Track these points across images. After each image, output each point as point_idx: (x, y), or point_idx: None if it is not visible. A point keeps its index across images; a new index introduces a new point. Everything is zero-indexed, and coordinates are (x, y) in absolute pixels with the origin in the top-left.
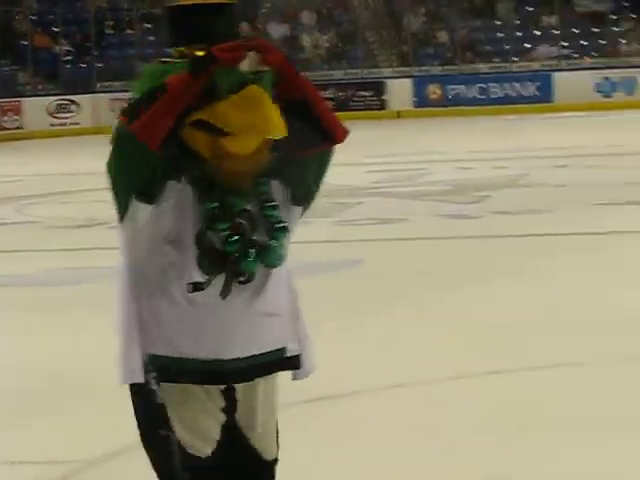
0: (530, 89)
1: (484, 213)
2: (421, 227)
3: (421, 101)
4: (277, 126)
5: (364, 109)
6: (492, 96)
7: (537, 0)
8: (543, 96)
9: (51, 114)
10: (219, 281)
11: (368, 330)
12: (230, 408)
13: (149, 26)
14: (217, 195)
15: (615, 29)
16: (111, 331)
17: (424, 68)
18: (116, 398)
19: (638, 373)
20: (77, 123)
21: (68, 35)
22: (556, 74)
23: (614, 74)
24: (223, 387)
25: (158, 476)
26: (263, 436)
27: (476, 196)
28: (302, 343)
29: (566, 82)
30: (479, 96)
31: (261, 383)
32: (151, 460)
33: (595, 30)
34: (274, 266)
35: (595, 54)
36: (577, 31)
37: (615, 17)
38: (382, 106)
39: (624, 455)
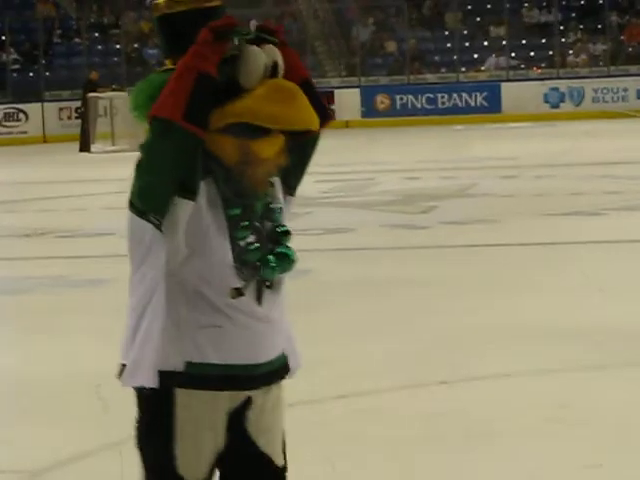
0: (478, 99)
1: (432, 223)
2: (369, 237)
3: (369, 111)
4: (315, 117)
5: None
6: (440, 106)
7: (485, 11)
8: (491, 106)
9: None
10: (251, 285)
11: (314, 339)
12: (242, 413)
13: (97, 35)
14: (239, 200)
15: (563, 40)
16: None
17: (372, 78)
18: (58, 408)
19: (586, 381)
20: (25, 132)
21: (16, 44)
22: (504, 85)
23: (562, 85)
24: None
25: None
26: (271, 441)
27: (424, 206)
28: (290, 341)
29: (514, 93)
30: (427, 106)
31: (274, 387)
32: (144, 465)
33: (543, 41)
34: (288, 271)
35: (543, 65)
36: (525, 42)
37: (563, 28)
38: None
39: (571, 464)
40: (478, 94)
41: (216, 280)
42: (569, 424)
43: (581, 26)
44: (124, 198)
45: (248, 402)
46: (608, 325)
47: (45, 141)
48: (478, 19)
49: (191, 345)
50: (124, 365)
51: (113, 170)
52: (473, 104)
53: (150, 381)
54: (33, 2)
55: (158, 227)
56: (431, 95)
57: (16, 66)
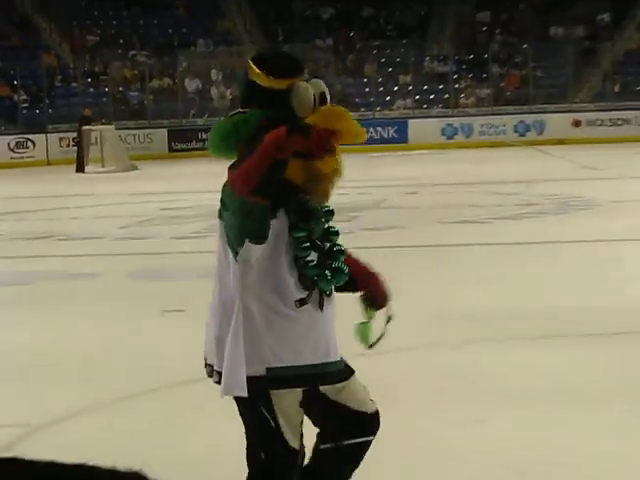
0: (390, 132)
1: (355, 229)
2: None
3: None
4: (363, 131)
5: None
6: None
7: (395, 63)
8: (400, 138)
9: (11, 149)
10: (315, 295)
11: None
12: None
13: (90, 80)
14: (303, 225)
15: (456, 86)
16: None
17: None
18: (62, 370)
19: (474, 353)
20: (32, 157)
21: (25, 87)
22: (410, 120)
23: (455, 121)
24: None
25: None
26: (350, 393)
27: (348, 216)
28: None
29: (418, 127)
30: None
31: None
32: (261, 466)
33: (441, 87)
34: (340, 283)
35: (441, 105)
36: (427, 87)
37: (456, 77)
38: None
39: (464, 421)
40: (389, 128)
41: (284, 292)
42: (461, 388)
43: (470, 75)
44: (111, 209)
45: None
46: (485, 306)
47: (49, 164)
48: (390, 69)
49: (269, 352)
50: (218, 372)
51: (102, 187)
52: (386, 136)
53: (243, 391)
54: (39, 54)
55: (235, 256)
56: None
57: (25, 104)
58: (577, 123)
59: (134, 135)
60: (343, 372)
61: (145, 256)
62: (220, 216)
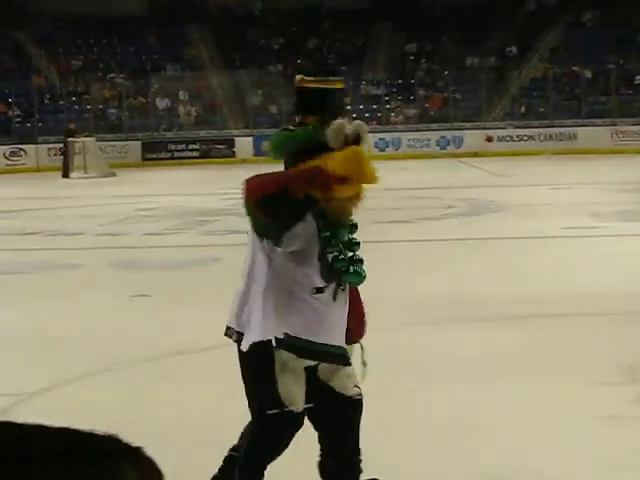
0: None
1: None
2: None
3: (258, 152)
4: (376, 177)
5: (220, 157)
6: None
7: None
8: None
9: (6, 158)
10: (330, 287)
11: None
12: (315, 368)
13: (74, 99)
14: (329, 227)
15: (387, 106)
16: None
17: (260, 130)
18: (47, 344)
19: (407, 335)
20: (25, 164)
21: (18, 104)
22: None
23: (387, 136)
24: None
25: (259, 424)
26: (340, 378)
27: None
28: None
29: None
30: None
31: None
32: (257, 401)
33: (374, 107)
34: (359, 284)
35: (374, 122)
36: (362, 107)
37: (387, 98)
38: (232, 155)
39: (399, 391)
40: None
41: (305, 281)
42: (379, 362)
43: (399, 97)
44: (92, 209)
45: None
46: (414, 293)
47: (39, 170)
48: None
49: (286, 323)
50: (238, 332)
51: (85, 190)
52: None
53: (258, 337)
54: (30, 76)
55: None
56: None
57: (18, 119)
58: (490, 139)
59: (112, 146)
60: (342, 358)
61: (121, 250)
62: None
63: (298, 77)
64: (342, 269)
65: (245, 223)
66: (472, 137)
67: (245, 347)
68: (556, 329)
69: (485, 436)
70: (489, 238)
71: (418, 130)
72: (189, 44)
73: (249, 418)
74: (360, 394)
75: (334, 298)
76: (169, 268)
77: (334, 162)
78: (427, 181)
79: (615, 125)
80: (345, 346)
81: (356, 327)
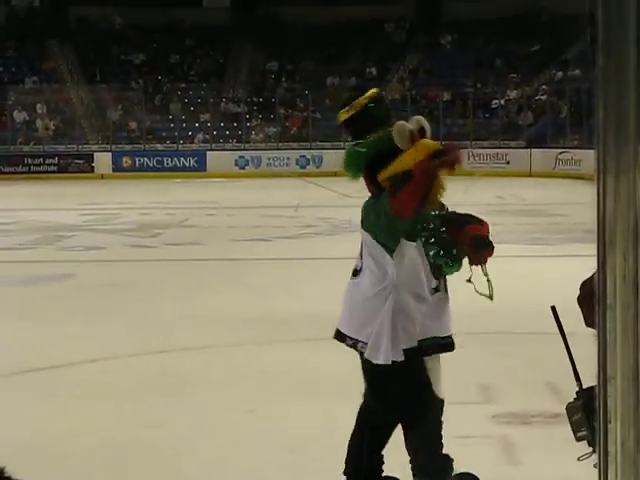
0: (191, 162)
1: (159, 244)
2: (116, 253)
3: (118, 168)
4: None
5: (79, 172)
6: (165, 166)
7: (197, 103)
8: (199, 167)
9: None
10: (442, 282)
11: (71, 320)
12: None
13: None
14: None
15: (248, 124)
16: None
17: (120, 145)
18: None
19: (265, 353)
20: None
21: None
22: (208, 152)
23: (247, 154)
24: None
25: (426, 434)
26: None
27: (153, 232)
28: None
29: (215, 158)
30: (157, 166)
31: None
32: (421, 422)
33: (235, 124)
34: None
35: (234, 140)
36: (223, 124)
37: (248, 116)
38: (91, 170)
39: (235, 409)
40: (191, 159)
41: (425, 283)
42: (246, 381)
43: (260, 116)
44: None
45: None
46: (274, 311)
47: None
48: (192, 108)
49: (418, 329)
50: (361, 341)
51: None
52: (188, 165)
53: (398, 356)
54: None
55: (391, 253)
56: (160, 158)
57: None
58: None
59: None
60: (452, 344)
61: None
62: (363, 227)
63: (361, 102)
64: (444, 263)
65: (100, 239)
66: (332, 157)
67: (384, 360)
68: None
69: (341, 453)
70: (348, 258)
71: (278, 149)
72: (48, 57)
73: (94, 436)
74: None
75: (446, 291)
76: (23, 284)
77: (406, 156)
78: (286, 200)
79: (472, 148)
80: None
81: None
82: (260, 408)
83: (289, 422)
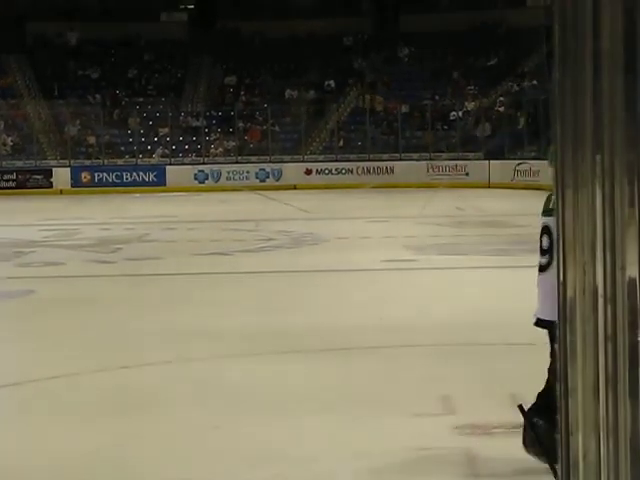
0: (150, 176)
1: (119, 259)
2: (76, 268)
3: (76, 183)
4: None
5: (37, 187)
6: (125, 181)
7: (156, 117)
8: (159, 181)
9: None
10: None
11: (31, 336)
12: None
13: None
14: None
15: (207, 138)
16: None
17: (79, 160)
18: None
19: (230, 366)
20: None
21: None
22: (168, 167)
23: (206, 168)
24: None
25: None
26: None
27: (113, 248)
28: None
29: (174, 172)
30: (116, 180)
31: None
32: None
33: (194, 138)
34: None
35: (194, 154)
36: (182, 139)
37: (207, 130)
38: (50, 186)
39: (202, 425)
40: (150, 173)
41: None
42: (197, 395)
43: (219, 129)
44: None
45: None
46: (237, 325)
47: None
48: (150, 123)
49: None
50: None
51: None
52: (147, 180)
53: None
54: None
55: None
56: (119, 173)
57: None
58: (309, 171)
59: None
60: None
61: None
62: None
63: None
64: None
65: (60, 255)
66: (291, 170)
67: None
68: (379, 361)
69: (308, 467)
70: (311, 271)
71: (237, 162)
72: (5, 73)
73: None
74: None
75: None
76: None
77: None
78: (246, 213)
79: (431, 160)
80: None
81: None
82: (225, 424)
83: (255, 437)
